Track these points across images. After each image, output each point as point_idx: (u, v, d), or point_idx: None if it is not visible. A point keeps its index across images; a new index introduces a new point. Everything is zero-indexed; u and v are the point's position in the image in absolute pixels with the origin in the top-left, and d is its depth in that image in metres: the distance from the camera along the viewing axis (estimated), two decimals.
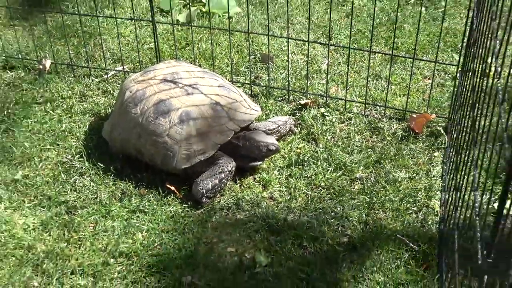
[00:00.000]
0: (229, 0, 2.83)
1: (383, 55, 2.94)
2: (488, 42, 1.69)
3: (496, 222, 1.39)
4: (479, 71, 1.82)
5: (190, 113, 2.33)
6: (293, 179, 2.40)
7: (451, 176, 2.14)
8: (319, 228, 2.21)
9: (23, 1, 3.29)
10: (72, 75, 2.92)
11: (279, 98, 2.78)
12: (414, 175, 2.40)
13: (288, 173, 2.43)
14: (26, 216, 2.27)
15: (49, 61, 2.94)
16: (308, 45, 2.81)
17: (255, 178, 2.43)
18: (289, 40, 2.77)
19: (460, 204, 1.81)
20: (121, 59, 2.96)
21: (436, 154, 2.49)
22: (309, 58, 2.88)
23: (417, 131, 2.56)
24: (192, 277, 2.06)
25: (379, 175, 2.40)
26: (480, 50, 1.88)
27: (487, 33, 1.77)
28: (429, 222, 2.22)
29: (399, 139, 2.55)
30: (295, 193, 2.35)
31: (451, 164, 2.25)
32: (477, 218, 1.62)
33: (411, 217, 2.25)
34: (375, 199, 2.31)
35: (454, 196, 1.96)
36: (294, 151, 2.52)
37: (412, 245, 2.13)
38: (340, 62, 2.93)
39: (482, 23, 1.93)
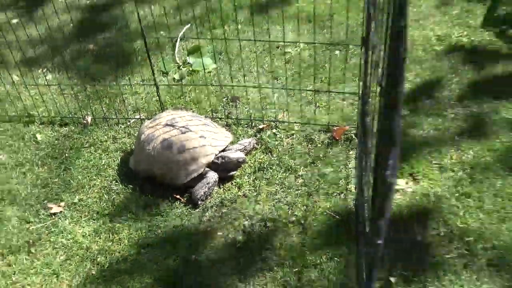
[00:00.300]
0: (203, 61, 2.94)
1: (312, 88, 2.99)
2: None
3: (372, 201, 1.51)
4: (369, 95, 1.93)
5: (185, 146, 2.42)
6: (258, 181, 2.47)
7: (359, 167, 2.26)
8: (276, 212, 2.29)
9: (68, 77, 3.34)
10: (106, 125, 2.96)
11: (245, 125, 2.83)
12: (337, 168, 2.48)
13: (254, 177, 2.49)
14: (83, 227, 2.35)
15: (90, 117, 3.00)
16: (260, 87, 2.90)
17: (232, 183, 2.49)
18: (248, 86, 2.87)
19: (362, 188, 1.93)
20: (138, 110, 3.03)
21: (351, 152, 2.57)
22: (263, 95, 2.95)
23: (337, 138, 2.63)
24: (195, 255, 2.16)
25: (314, 171, 2.48)
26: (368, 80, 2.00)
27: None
28: (348, 201, 2.31)
29: (326, 145, 2.62)
30: (259, 190, 2.41)
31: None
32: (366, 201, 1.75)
33: (336, 198, 2.33)
34: (312, 188, 2.39)
35: (360, 182, 2.09)
36: (257, 161, 2.58)
37: (338, 217, 2.25)
38: (284, 96, 2.98)
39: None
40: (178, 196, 2.44)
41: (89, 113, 3.04)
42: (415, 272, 2.00)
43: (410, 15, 3.44)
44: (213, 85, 3.07)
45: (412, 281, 1.97)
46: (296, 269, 2.05)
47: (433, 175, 2.38)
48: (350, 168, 2.49)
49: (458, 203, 2.23)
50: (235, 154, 2.47)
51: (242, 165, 2.52)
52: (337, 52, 3.30)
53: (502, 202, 2.21)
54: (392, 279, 1.98)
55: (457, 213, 2.20)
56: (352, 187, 2.38)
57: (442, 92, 2.84)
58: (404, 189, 2.35)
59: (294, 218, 2.27)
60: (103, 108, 3.04)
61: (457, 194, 2.27)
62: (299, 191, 2.39)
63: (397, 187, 2.36)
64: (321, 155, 2.57)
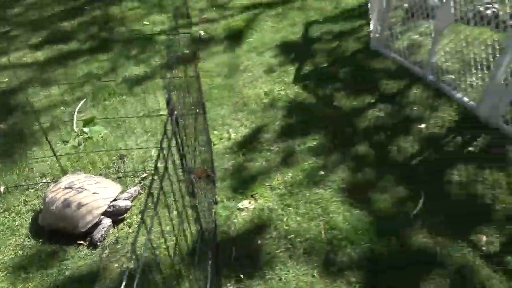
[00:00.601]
0: (96, 129, 2.91)
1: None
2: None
3: None
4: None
5: (81, 203, 2.39)
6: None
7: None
8: (158, 241, 2.34)
9: None
10: (18, 191, 2.80)
11: (131, 176, 2.84)
12: (200, 199, 2.61)
13: (140, 216, 2.53)
14: (2, 281, 2.20)
15: (3, 187, 2.81)
16: (138, 148, 2.94)
17: (124, 223, 2.49)
18: (129, 149, 2.89)
19: None
20: (44, 175, 2.91)
21: (209, 186, 2.71)
22: (144, 151, 2.99)
23: (200, 177, 2.75)
24: (98, 283, 2.14)
25: (185, 204, 2.57)
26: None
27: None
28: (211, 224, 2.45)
29: (196, 180, 2.74)
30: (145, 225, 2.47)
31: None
32: None
33: (202, 221, 2.46)
34: (184, 217, 2.49)
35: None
36: (142, 203, 2.61)
37: (206, 236, 2.36)
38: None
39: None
40: (81, 242, 2.39)
41: (1, 184, 2.85)
42: (257, 268, 2.17)
43: (246, 78, 3.72)
44: (103, 151, 3.03)
45: (255, 276, 2.14)
46: (175, 282, 2.12)
47: (266, 194, 2.60)
48: (210, 197, 2.61)
49: (283, 212, 2.47)
50: (123, 202, 2.49)
51: (131, 209, 2.53)
52: (197, 110, 3.43)
53: (310, 206, 2.49)
54: (242, 275, 2.14)
55: (282, 219, 2.43)
56: (212, 212, 2.51)
57: (269, 133, 3.11)
58: (248, 207, 2.54)
59: (172, 243, 2.32)
60: (15, 178, 2.87)
61: (282, 206, 2.51)
62: (174, 221, 2.45)
63: (242, 206, 2.55)
64: (189, 191, 2.66)
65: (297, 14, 5.05)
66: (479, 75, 3.01)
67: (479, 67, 3.02)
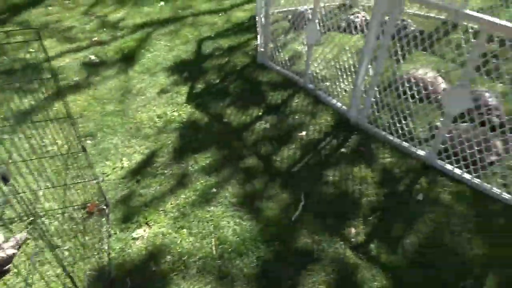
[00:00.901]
0: None
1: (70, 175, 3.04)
2: None
3: None
4: None
5: None
6: (31, 265, 2.41)
7: None
8: (47, 287, 2.33)
9: None
10: None
11: (19, 222, 2.72)
12: (93, 235, 2.60)
13: (29, 263, 2.41)
14: None
15: None
16: (24, 192, 2.84)
17: (11, 273, 2.37)
18: (17, 193, 2.79)
19: None
20: None
21: (103, 219, 2.72)
22: (32, 192, 2.89)
23: (91, 211, 2.75)
24: None
25: (77, 243, 2.52)
26: None
27: None
28: (104, 261, 2.47)
29: (84, 219, 2.70)
30: (34, 272, 2.35)
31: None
32: None
33: (94, 258, 2.47)
34: (77, 257, 2.46)
35: None
36: (30, 248, 2.50)
37: (95, 273, 2.37)
38: (51, 188, 2.96)
39: None
40: None
41: None
42: None
43: (139, 102, 3.76)
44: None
45: None
46: None
47: (160, 219, 2.68)
48: (103, 231, 2.63)
49: (177, 235, 2.58)
50: (6, 251, 2.40)
51: (17, 256, 2.45)
52: (88, 141, 3.41)
53: (203, 225, 2.62)
54: None
55: (176, 242, 2.53)
56: (105, 247, 2.53)
57: (163, 157, 3.20)
58: (143, 235, 2.60)
59: (61, 287, 2.31)
60: None
61: (176, 229, 2.61)
62: (66, 263, 2.43)
63: (137, 235, 2.60)
64: (81, 228, 2.65)
65: (190, 30, 5.19)
66: (346, 83, 3.39)
67: (347, 74, 3.41)
